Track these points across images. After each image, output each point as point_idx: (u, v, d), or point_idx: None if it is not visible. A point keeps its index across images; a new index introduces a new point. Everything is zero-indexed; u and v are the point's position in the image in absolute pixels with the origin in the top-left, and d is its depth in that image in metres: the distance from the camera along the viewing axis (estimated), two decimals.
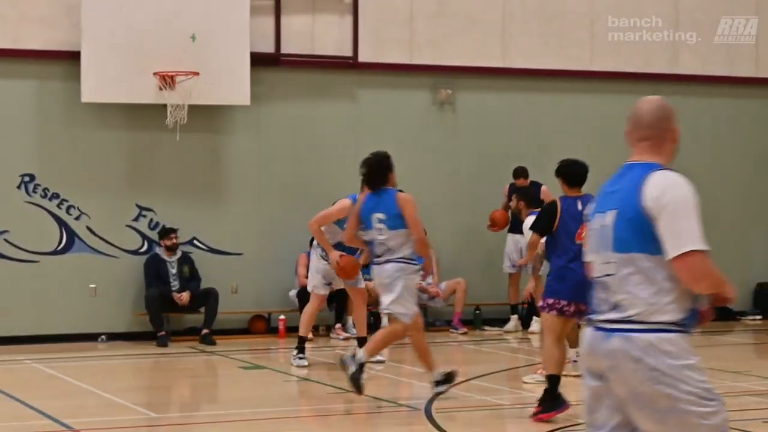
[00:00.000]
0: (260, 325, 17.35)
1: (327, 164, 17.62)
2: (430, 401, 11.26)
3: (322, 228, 13.40)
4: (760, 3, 19.52)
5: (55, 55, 16.41)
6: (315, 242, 13.80)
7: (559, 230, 10.58)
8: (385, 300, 11.30)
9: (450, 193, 18.15)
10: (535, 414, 10.42)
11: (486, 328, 17.78)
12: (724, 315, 19.27)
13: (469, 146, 18.26)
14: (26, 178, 16.46)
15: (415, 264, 11.39)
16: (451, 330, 17.58)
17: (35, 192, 16.47)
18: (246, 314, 17.39)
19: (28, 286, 16.44)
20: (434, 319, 18.19)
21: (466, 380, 12.56)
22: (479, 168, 18.19)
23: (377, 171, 11.52)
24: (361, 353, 11.17)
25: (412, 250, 11.30)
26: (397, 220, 11.25)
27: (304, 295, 16.82)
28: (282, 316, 17.06)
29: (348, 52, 17.64)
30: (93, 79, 16.07)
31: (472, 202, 17.74)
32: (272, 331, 17.20)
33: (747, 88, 19.65)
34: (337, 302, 16.74)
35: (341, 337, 16.71)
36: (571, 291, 10.39)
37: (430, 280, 17.78)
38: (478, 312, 17.98)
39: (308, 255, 17.07)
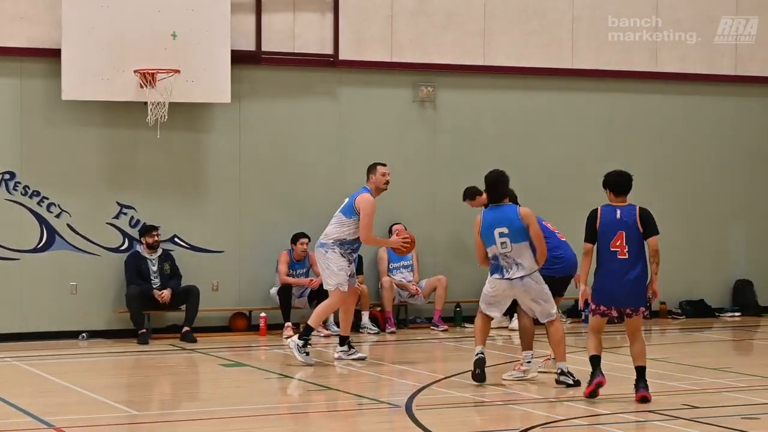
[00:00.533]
0: (241, 323, 17.35)
1: (308, 162, 17.64)
2: (411, 398, 11.29)
3: (333, 226, 13.74)
4: (740, 3, 19.57)
5: (36, 53, 16.37)
6: (330, 242, 13.71)
7: (597, 236, 11.20)
8: (541, 310, 12.00)
9: (430, 191, 18.16)
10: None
11: (466, 325, 17.79)
12: (702, 312, 19.36)
13: (450, 144, 18.29)
14: (7, 176, 16.42)
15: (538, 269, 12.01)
16: (431, 327, 17.62)
17: (16, 189, 16.43)
18: (227, 312, 17.38)
19: (8, 284, 16.40)
20: (415, 316, 18.22)
21: (447, 377, 12.59)
22: (460, 166, 18.20)
23: (500, 186, 12.04)
24: (562, 364, 11.92)
25: (533, 259, 11.88)
26: (520, 234, 11.82)
27: (284, 293, 16.87)
28: (263, 314, 17.05)
29: (329, 50, 17.65)
30: (74, 76, 16.05)
31: (452, 200, 17.72)
32: (253, 328, 17.20)
33: (727, 86, 19.69)
34: (318, 300, 16.72)
35: (322, 334, 16.69)
36: (607, 297, 11.08)
37: (411, 277, 17.81)
38: (458, 309, 18.01)
39: (289, 252, 17.11)
